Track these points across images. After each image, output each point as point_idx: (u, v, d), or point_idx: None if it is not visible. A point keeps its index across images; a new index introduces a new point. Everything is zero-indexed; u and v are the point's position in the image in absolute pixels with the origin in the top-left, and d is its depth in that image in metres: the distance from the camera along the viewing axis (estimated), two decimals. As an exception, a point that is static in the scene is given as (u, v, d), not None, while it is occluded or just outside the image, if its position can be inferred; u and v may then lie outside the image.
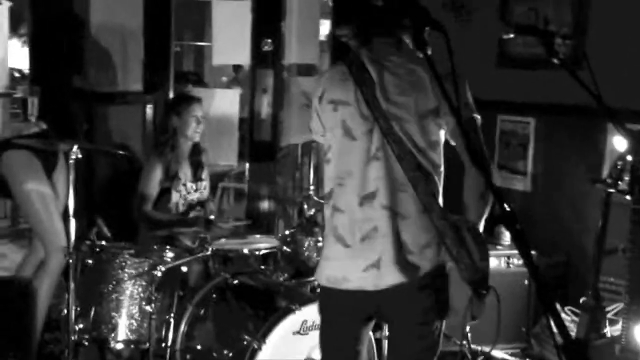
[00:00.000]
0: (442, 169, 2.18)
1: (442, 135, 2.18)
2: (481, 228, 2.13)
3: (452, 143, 2.17)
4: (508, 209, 1.28)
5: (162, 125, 3.88)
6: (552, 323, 1.22)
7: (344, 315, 2.27)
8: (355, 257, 2.17)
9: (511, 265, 3.72)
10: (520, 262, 3.72)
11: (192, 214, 3.77)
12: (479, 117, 2.14)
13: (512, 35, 2.38)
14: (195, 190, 3.80)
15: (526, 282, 3.72)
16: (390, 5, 2.17)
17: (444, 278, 2.13)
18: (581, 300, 3.23)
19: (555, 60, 2.21)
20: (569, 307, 3.66)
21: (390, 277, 2.12)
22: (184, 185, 3.75)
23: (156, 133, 4.44)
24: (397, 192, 2.13)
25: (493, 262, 3.66)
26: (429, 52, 1.44)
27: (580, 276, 3.92)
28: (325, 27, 5.67)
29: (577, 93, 2.41)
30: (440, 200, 2.16)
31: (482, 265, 2.07)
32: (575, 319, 3.44)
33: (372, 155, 2.14)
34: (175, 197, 3.72)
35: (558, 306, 3.55)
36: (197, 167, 3.82)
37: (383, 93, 2.13)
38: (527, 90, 4.24)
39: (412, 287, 2.12)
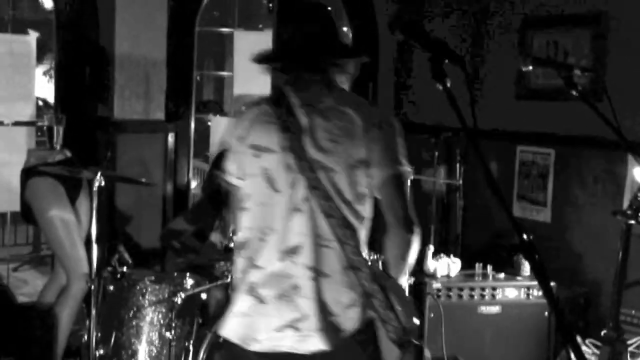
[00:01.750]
0: (368, 219, 2.04)
1: (371, 187, 2.03)
2: (404, 284, 2.04)
3: (378, 197, 2.03)
4: (527, 239, 1.29)
5: (209, 176, 3.86)
6: (573, 356, 1.22)
7: None
8: (270, 315, 1.99)
9: (531, 297, 3.70)
10: (540, 293, 3.69)
11: (212, 237, 3.80)
12: (408, 170, 2.02)
13: (530, 68, 2.39)
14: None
15: (546, 313, 3.68)
16: (319, 38, 2.06)
17: (371, 334, 1.99)
18: (602, 333, 3.20)
19: (574, 93, 2.22)
20: (590, 340, 3.62)
21: (313, 342, 1.96)
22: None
23: (176, 164, 4.43)
24: (321, 249, 1.97)
25: (512, 293, 3.67)
26: (449, 85, 1.46)
27: (601, 308, 3.89)
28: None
29: (596, 125, 2.42)
30: (366, 254, 2.02)
31: (410, 325, 1.96)
32: (596, 351, 3.40)
33: (295, 207, 1.97)
34: (214, 236, 3.73)
35: (579, 339, 3.52)
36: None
37: (312, 139, 1.97)
38: (547, 121, 4.25)
39: (336, 351, 1.97)
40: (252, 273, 2.02)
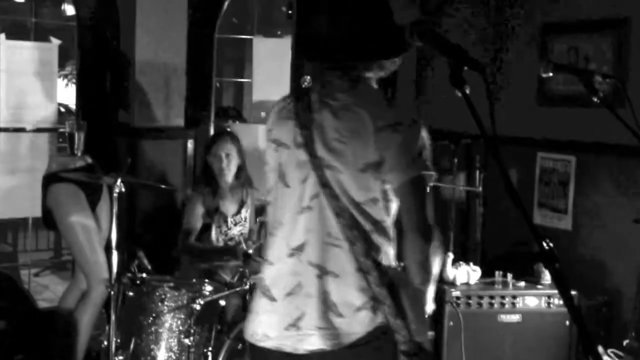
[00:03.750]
0: (387, 222, 1.95)
1: (389, 191, 1.93)
2: (428, 295, 1.94)
3: (397, 201, 1.94)
4: (547, 247, 1.27)
5: (201, 164, 3.97)
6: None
7: None
8: (279, 313, 1.96)
9: (552, 306, 3.66)
10: (561, 302, 3.66)
11: (230, 246, 3.82)
12: (430, 173, 1.91)
13: (551, 74, 2.37)
14: (236, 225, 3.84)
15: (567, 322, 3.64)
16: (353, 34, 1.95)
17: (384, 339, 1.89)
18: (624, 343, 3.17)
19: (596, 99, 2.20)
20: (612, 350, 3.58)
21: (310, 341, 1.91)
22: (225, 221, 3.80)
23: (195, 170, 4.53)
24: (330, 247, 1.91)
25: (533, 302, 3.63)
26: (468, 92, 1.44)
27: (623, 318, 3.84)
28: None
29: (618, 131, 2.39)
30: (388, 256, 1.95)
31: (420, 339, 1.88)
32: (619, 361, 3.36)
33: (305, 205, 1.94)
34: (215, 232, 3.77)
35: (600, 349, 3.48)
36: (240, 202, 3.86)
37: (321, 138, 1.93)
38: (567, 128, 4.21)
39: (340, 354, 1.90)
40: (266, 268, 2.02)
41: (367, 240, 1.90)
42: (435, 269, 1.93)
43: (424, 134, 1.95)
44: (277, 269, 1.98)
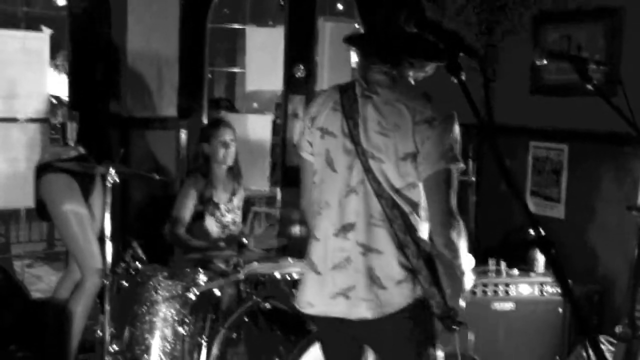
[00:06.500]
0: (423, 204, 2.13)
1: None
2: (462, 267, 2.10)
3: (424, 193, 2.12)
4: (543, 235, 1.28)
5: (194, 152, 3.97)
6: (592, 351, 1.21)
7: (330, 339, 2.32)
8: (324, 284, 2.18)
9: (545, 293, 3.68)
10: (554, 290, 3.68)
11: (226, 235, 3.82)
12: (458, 166, 2.08)
13: (545, 62, 2.37)
14: (229, 212, 3.85)
15: (560, 310, 3.67)
16: (398, 33, 2.08)
17: (424, 310, 2.11)
18: (616, 330, 3.18)
19: (590, 87, 2.20)
20: (604, 336, 3.60)
21: (359, 310, 2.13)
22: (218, 208, 3.80)
23: (188, 159, 4.51)
24: (373, 228, 2.13)
25: (526, 290, 3.65)
26: (464, 78, 1.44)
27: (616, 305, 3.86)
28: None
29: (611, 120, 2.40)
30: (422, 235, 2.14)
31: (453, 302, 2.10)
32: (611, 348, 3.38)
33: (351, 188, 2.15)
34: (209, 221, 3.77)
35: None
36: (232, 191, 3.87)
37: (364, 130, 2.12)
38: (560, 116, 4.22)
39: (382, 322, 2.12)
40: (312, 244, 2.22)
41: (405, 220, 2.09)
42: (463, 249, 2.08)
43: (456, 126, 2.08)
44: (324, 246, 2.19)
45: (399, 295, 2.11)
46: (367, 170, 2.10)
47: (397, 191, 2.10)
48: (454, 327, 2.10)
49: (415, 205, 2.12)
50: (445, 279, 2.09)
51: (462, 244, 2.08)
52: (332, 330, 2.27)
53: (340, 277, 2.15)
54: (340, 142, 2.16)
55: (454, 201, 2.08)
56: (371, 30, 2.20)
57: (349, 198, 2.15)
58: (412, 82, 2.17)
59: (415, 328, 2.14)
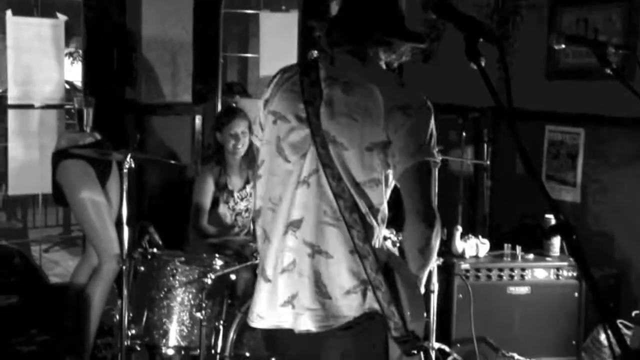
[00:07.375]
0: (382, 208, 1.91)
1: (390, 175, 1.90)
2: (422, 281, 1.93)
3: (398, 186, 1.91)
4: (564, 219, 1.28)
5: (207, 140, 3.99)
6: (611, 334, 1.21)
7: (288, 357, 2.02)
8: (274, 292, 1.93)
9: (560, 277, 3.67)
10: (570, 274, 3.67)
11: (239, 221, 3.84)
12: (436, 160, 1.88)
13: (563, 46, 2.35)
14: (242, 199, 3.87)
15: (576, 294, 3.66)
16: (363, 12, 1.92)
17: (372, 325, 1.87)
18: (633, 314, 3.18)
19: (609, 70, 2.18)
20: (621, 321, 3.60)
21: (303, 321, 1.89)
22: (232, 196, 3.82)
23: (203, 145, 4.53)
24: (324, 226, 1.87)
25: (542, 274, 3.65)
26: (483, 64, 1.43)
27: (632, 289, 3.86)
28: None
29: (627, 104, 2.38)
30: (379, 240, 1.92)
31: (413, 326, 1.85)
32: (627, 332, 3.38)
33: (303, 179, 1.89)
34: (222, 207, 3.80)
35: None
36: (246, 179, 3.89)
37: (329, 111, 1.88)
38: (576, 101, 4.19)
39: (331, 338, 1.88)
40: (266, 247, 1.96)
41: (365, 224, 1.86)
42: (432, 257, 1.91)
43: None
44: (273, 247, 1.94)
45: (345, 307, 1.87)
46: (325, 164, 1.85)
47: (356, 186, 1.85)
48: (414, 352, 1.84)
49: (372, 207, 1.88)
50: (406, 299, 1.85)
51: (437, 247, 1.90)
52: (285, 348, 1.99)
53: (287, 283, 1.90)
54: (293, 128, 1.91)
55: (434, 197, 1.89)
56: (346, 6, 1.97)
57: (298, 191, 1.89)
58: (384, 66, 1.97)
59: (361, 346, 1.89)
